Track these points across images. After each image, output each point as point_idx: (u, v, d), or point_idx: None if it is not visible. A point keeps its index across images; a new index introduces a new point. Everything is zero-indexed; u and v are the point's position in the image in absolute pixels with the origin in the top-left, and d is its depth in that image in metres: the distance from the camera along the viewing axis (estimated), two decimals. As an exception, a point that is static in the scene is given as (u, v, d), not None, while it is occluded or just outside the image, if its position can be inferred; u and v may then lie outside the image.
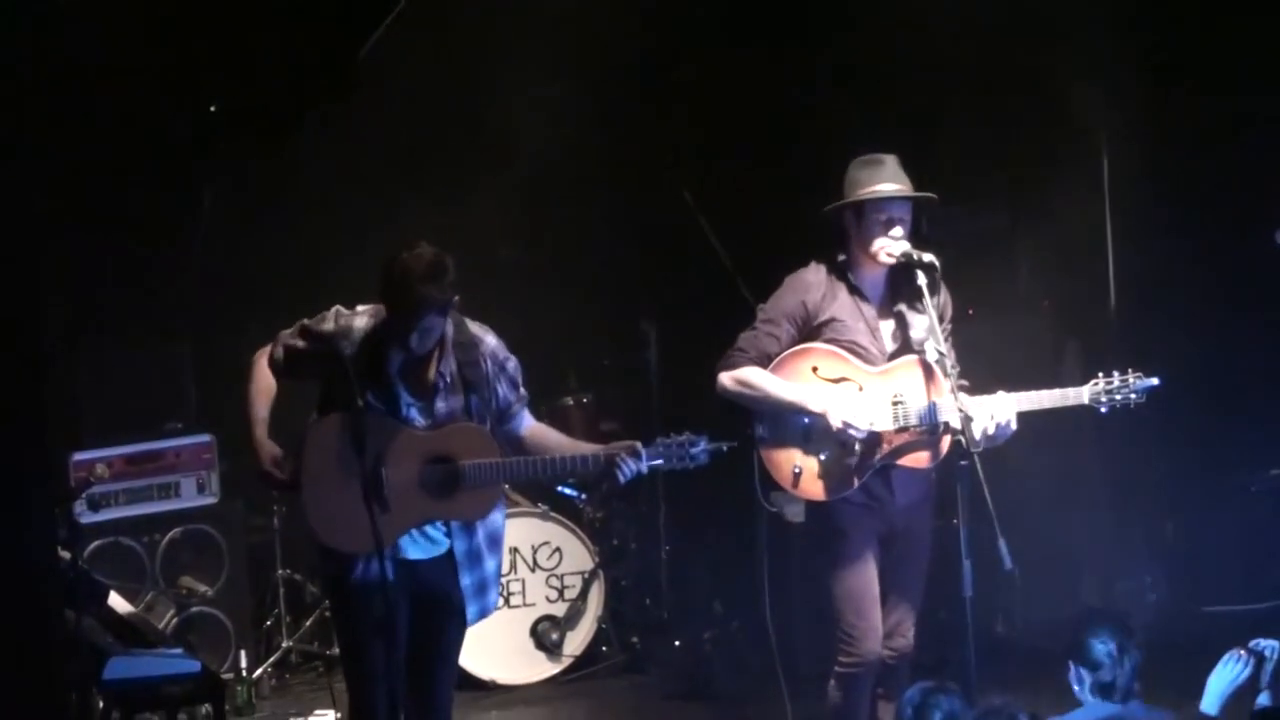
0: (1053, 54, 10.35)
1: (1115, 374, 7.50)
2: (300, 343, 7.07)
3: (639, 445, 7.15)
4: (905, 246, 7.50)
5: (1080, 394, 7.51)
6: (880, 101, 10.49)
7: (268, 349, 7.16)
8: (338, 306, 7.10)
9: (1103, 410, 7.52)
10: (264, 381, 7.14)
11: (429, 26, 10.09)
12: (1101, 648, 6.42)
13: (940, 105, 10.48)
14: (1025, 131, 10.57)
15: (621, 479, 7.15)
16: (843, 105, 10.62)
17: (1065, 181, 10.51)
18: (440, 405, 7.04)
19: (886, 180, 7.51)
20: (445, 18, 10.23)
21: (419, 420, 7.03)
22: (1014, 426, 7.44)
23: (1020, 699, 8.72)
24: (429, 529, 7.08)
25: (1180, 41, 10.45)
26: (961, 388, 7.47)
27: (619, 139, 10.83)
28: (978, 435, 7.31)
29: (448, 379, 7.04)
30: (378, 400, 6.98)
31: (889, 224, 7.49)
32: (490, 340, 7.16)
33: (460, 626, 7.23)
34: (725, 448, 7.27)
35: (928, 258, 7.48)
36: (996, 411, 7.40)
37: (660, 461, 7.19)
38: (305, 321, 7.11)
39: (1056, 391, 7.52)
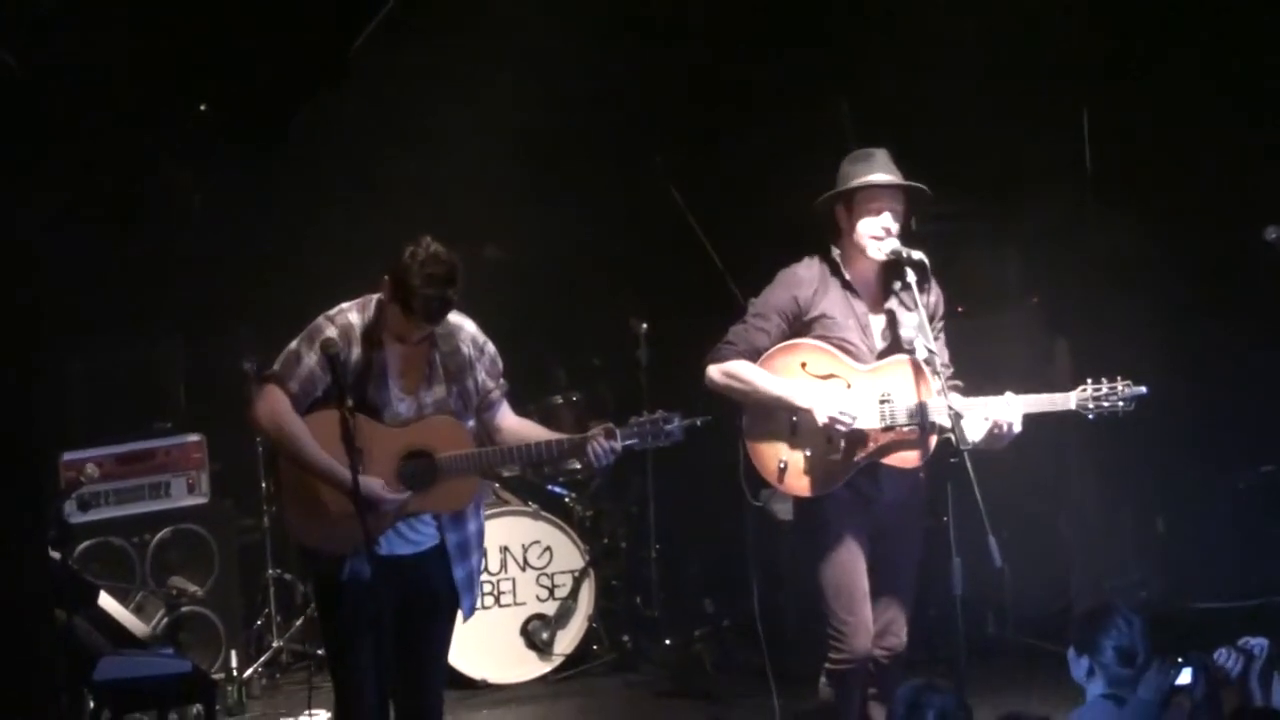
0: (1036, 52, 10.37)
1: (1104, 381, 7.48)
2: (312, 358, 6.92)
3: (613, 426, 7.17)
4: (895, 244, 7.50)
5: (1068, 399, 7.49)
6: (871, 100, 10.49)
7: (266, 401, 6.94)
8: (323, 314, 7.02)
9: (1089, 417, 7.51)
10: (296, 427, 6.92)
11: (418, 22, 10.08)
12: (1116, 650, 6.35)
13: (930, 103, 10.48)
14: (1011, 126, 10.57)
15: (597, 462, 7.17)
16: (834, 103, 10.61)
17: (1051, 179, 10.52)
18: (426, 396, 7.04)
19: (877, 171, 7.53)
20: (434, 13, 10.22)
21: (406, 412, 7.02)
22: (1018, 429, 7.44)
23: (1011, 696, 8.78)
24: (414, 524, 7.07)
25: (1164, 38, 10.46)
26: (955, 388, 7.46)
27: (607, 135, 10.82)
28: (971, 436, 7.30)
29: (432, 369, 7.05)
30: (369, 395, 6.96)
31: (879, 211, 7.49)
32: (469, 326, 7.16)
33: (449, 621, 7.22)
34: (699, 422, 7.27)
35: (917, 255, 7.50)
36: (998, 413, 7.40)
37: (635, 441, 7.19)
38: (302, 342, 6.97)
39: (1044, 396, 7.50)
